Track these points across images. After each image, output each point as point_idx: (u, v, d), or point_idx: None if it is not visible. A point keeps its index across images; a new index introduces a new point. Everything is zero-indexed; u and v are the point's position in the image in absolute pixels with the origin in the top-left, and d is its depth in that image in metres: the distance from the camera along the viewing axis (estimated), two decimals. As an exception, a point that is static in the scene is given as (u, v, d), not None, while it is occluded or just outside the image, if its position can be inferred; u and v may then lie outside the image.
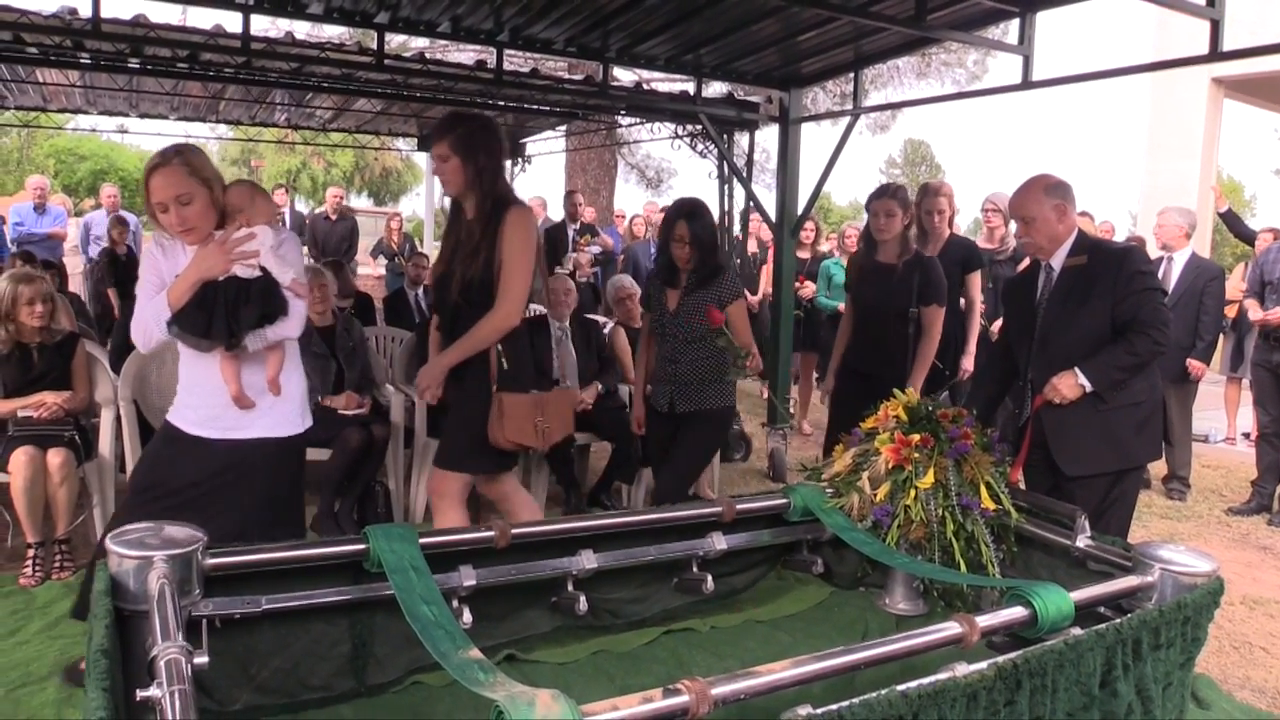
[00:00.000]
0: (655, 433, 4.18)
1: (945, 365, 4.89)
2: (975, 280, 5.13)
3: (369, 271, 12.61)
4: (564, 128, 10.47)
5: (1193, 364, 6.06)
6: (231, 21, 5.21)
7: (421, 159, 25.51)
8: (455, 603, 2.57)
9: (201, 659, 1.83)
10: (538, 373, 5.38)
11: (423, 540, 2.50)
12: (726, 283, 3.97)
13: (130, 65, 6.27)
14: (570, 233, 9.03)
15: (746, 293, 4.99)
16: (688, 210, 3.99)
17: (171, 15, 5.39)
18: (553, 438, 3.41)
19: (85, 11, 4.89)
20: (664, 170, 18.20)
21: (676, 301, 4.01)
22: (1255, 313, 5.88)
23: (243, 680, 2.41)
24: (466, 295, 3.22)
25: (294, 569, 2.44)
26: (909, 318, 4.34)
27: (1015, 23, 4.92)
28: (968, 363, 5.07)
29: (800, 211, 6.50)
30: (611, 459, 5.36)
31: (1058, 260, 3.33)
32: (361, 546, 2.45)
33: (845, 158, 6.23)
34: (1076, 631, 2.27)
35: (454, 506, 3.34)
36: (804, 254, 7.61)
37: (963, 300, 5.13)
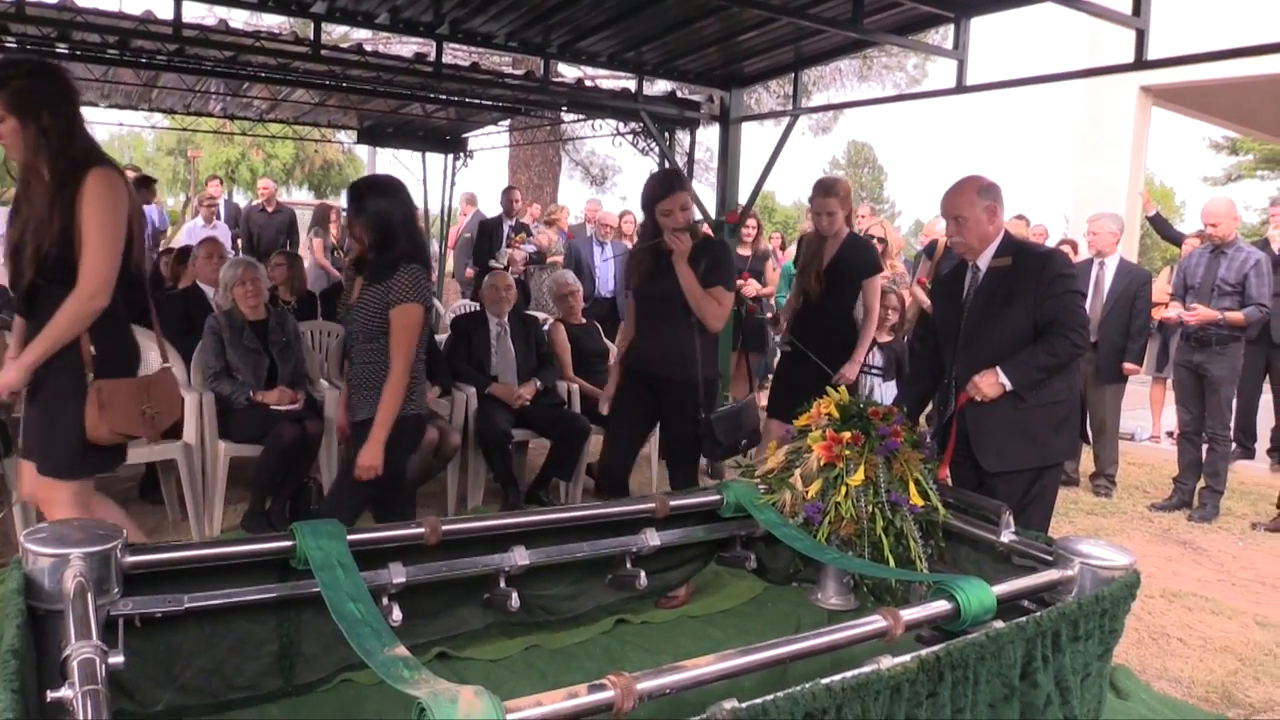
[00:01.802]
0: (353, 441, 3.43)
1: (832, 369, 4.70)
2: (874, 286, 4.81)
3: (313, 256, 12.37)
4: (507, 123, 10.41)
5: (1128, 366, 6.23)
6: (163, 7, 5.10)
7: (363, 151, 25.19)
8: (385, 600, 2.55)
9: (117, 659, 1.79)
10: (477, 369, 5.39)
11: (351, 537, 2.48)
12: (399, 280, 3.23)
13: (58, 50, 6.10)
14: (506, 228, 8.99)
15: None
16: (363, 186, 3.39)
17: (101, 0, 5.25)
18: (163, 424, 3.03)
19: (8, -6, 4.75)
20: (608, 168, 18.21)
21: (358, 291, 3.40)
22: (1174, 310, 6.06)
23: (165, 680, 2.37)
24: (43, 272, 2.79)
25: (219, 566, 2.40)
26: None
27: (951, 28, 5.01)
28: (850, 371, 4.73)
29: (740, 211, 6.55)
30: (550, 456, 5.35)
31: (984, 261, 3.40)
32: (288, 543, 2.42)
33: (789, 158, 6.29)
34: (998, 624, 2.32)
35: (74, 511, 2.84)
36: (745, 251, 7.66)
37: (860, 308, 4.87)
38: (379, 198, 3.32)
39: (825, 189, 4.79)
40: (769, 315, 5.65)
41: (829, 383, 4.60)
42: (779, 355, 5.00)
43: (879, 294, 4.93)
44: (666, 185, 3.92)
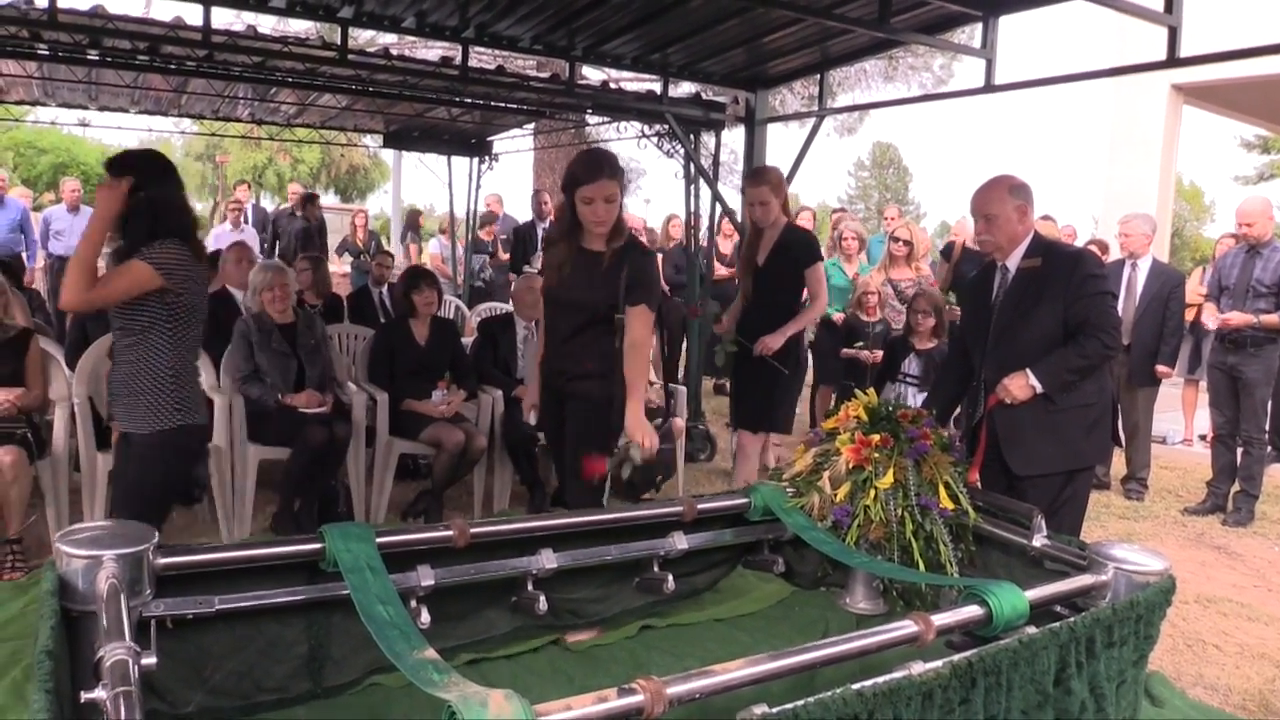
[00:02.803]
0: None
1: (786, 366, 4.56)
2: (816, 274, 4.59)
3: (334, 269, 12.53)
4: (531, 126, 10.43)
5: (1161, 369, 6.15)
6: (192, 14, 5.14)
7: (388, 156, 25.38)
8: (413, 603, 2.55)
9: (149, 660, 1.80)
10: (504, 372, 5.39)
11: (380, 540, 2.48)
12: (146, 251, 2.87)
13: (89, 57, 6.17)
14: (539, 231, 9.02)
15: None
16: (113, 160, 3.01)
17: (131, 6, 5.33)
18: None
19: (41, 1, 4.80)
20: (633, 170, 18.22)
21: None
22: (1211, 317, 5.96)
23: (195, 682, 2.38)
24: None
25: (249, 569, 2.41)
26: (613, 322, 3.31)
27: (979, 27, 4.96)
28: (772, 341, 4.46)
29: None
30: (576, 458, 5.34)
31: (1013, 261, 3.37)
32: (317, 546, 2.42)
33: (814, 160, 6.26)
34: (1031, 630, 2.29)
35: None
36: None
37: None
38: (140, 169, 2.94)
39: (756, 176, 4.55)
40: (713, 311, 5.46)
41: (785, 374, 4.45)
42: (726, 359, 4.71)
43: (823, 283, 4.67)
44: (592, 168, 3.26)
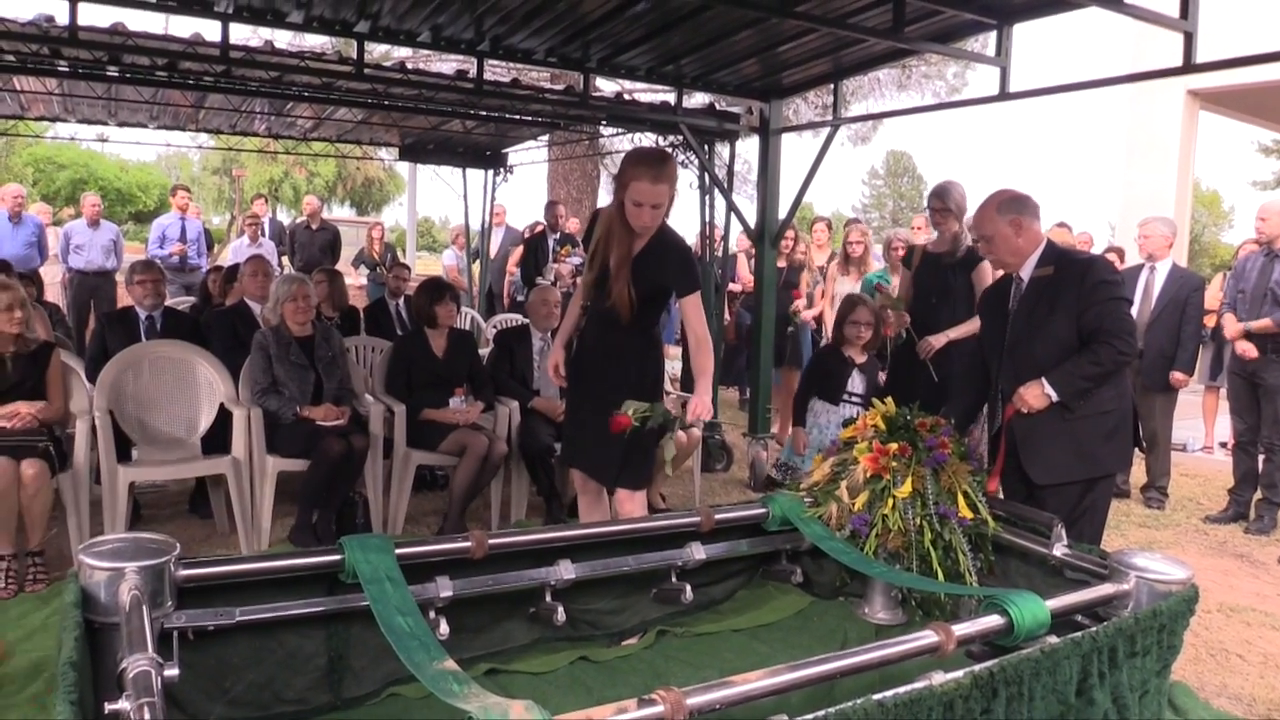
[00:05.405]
0: None
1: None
2: (694, 305, 3.32)
3: (350, 281, 12.60)
4: (546, 138, 10.47)
5: (1176, 375, 6.10)
6: (211, 30, 5.19)
7: (403, 169, 25.51)
8: (432, 614, 2.56)
9: (172, 671, 1.81)
10: (520, 383, 5.40)
11: (399, 551, 2.49)
12: None
13: (108, 73, 6.23)
14: (551, 243, 9.04)
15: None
16: None
17: (150, 23, 5.40)
18: None
19: (62, 19, 4.86)
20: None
21: None
22: (1231, 326, 5.91)
23: (216, 693, 2.40)
24: None
25: (269, 580, 2.43)
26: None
27: (993, 35, 4.95)
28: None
29: (781, 222, 6.52)
30: (592, 469, 5.34)
31: (1027, 271, 3.36)
32: (337, 557, 2.44)
33: (828, 169, 6.23)
34: (1053, 640, 2.28)
35: None
36: (781, 263, 7.63)
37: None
38: None
39: (656, 168, 3.20)
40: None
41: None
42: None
43: (704, 319, 3.37)
44: None
